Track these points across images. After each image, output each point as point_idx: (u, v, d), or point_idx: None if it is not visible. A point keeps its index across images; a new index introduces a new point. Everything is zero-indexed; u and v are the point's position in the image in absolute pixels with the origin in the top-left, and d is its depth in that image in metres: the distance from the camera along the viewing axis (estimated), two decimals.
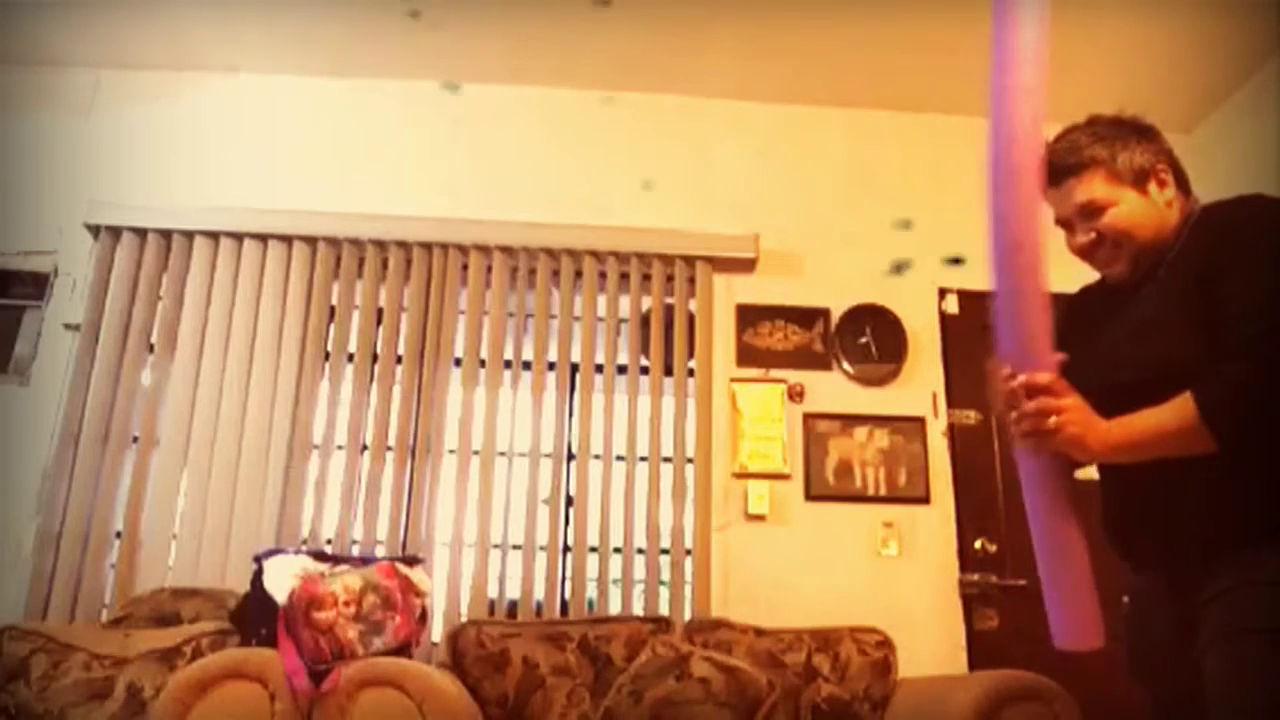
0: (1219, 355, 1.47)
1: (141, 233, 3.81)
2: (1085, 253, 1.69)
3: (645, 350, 3.87)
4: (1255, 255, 1.50)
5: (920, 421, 3.83)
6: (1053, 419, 1.50)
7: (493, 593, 3.55)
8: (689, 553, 3.62)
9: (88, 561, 3.41)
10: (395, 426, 3.68)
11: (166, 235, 3.82)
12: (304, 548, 3.34)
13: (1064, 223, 1.71)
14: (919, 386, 3.90)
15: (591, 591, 3.62)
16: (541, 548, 3.59)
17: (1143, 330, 1.62)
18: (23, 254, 3.81)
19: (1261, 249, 1.50)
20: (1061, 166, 1.66)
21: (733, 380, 3.86)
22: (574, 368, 3.85)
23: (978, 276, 3.97)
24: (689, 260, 3.93)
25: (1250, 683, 1.41)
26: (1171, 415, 1.49)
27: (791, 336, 3.92)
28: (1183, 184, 1.69)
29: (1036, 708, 2.68)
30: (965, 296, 4.00)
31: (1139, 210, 1.63)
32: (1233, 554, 1.49)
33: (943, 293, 4.03)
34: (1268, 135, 3.81)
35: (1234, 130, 4.02)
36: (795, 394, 3.85)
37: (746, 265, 3.96)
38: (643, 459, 3.72)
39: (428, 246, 3.88)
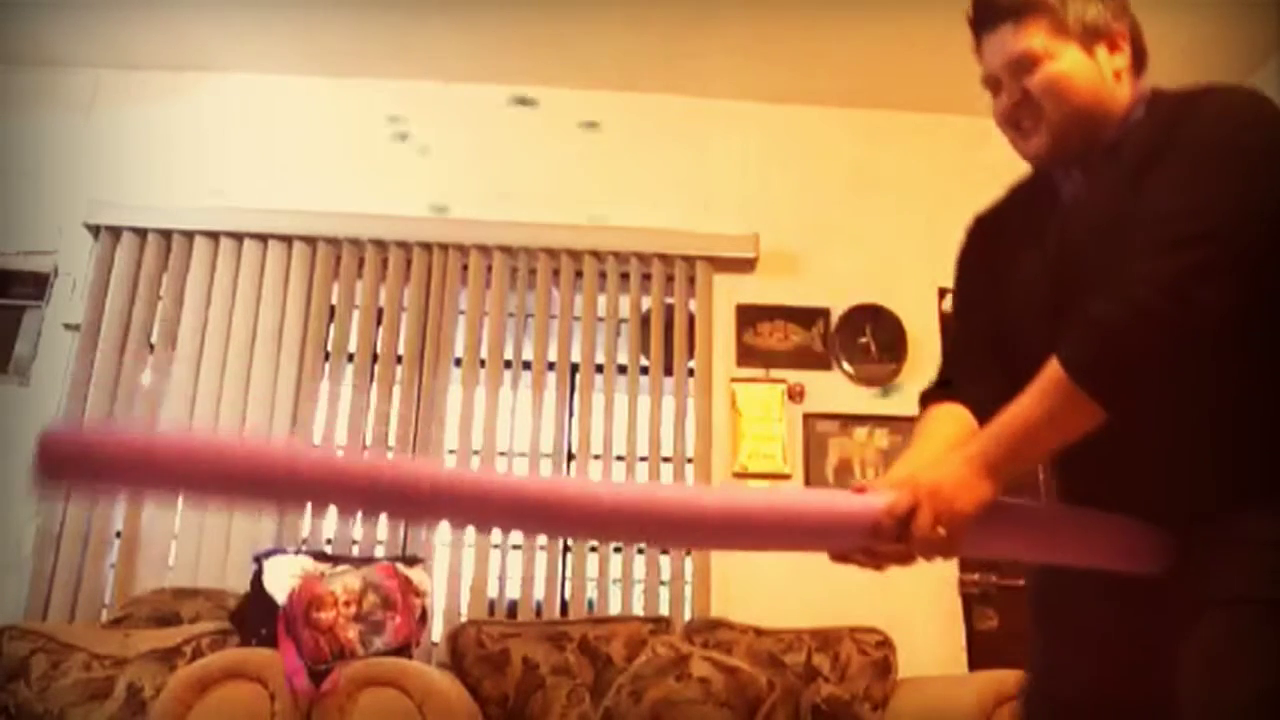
0: (1110, 282, 1.18)
1: (141, 233, 3.81)
2: (1007, 118, 1.38)
3: (645, 350, 3.87)
4: (1201, 145, 1.22)
5: None
6: (939, 530, 1.17)
7: (493, 593, 3.55)
8: (689, 553, 3.62)
9: (88, 561, 3.41)
10: (395, 426, 3.68)
11: (166, 235, 3.82)
12: (304, 548, 3.34)
13: (990, 81, 1.39)
14: (919, 386, 3.88)
15: (591, 591, 3.62)
16: (541, 548, 3.59)
17: (1081, 244, 1.31)
18: (23, 254, 3.81)
19: (1211, 137, 1.22)
20: (1000, 7, 1.35)
21: (733, 380, 3.86)
22: (574, 368, 3.85)
23: None
24: (689, 260, 3.93)
25: (1247, 659, 1.14)
26: (1037, 396, 1.19)
27: (791, 336, 3.92)
28: (1140, 61, 1.39)
29: None
30: None
31: (1080, 70, 1.32)
32: (1228, 515, 1.21)
33: (943, 293, 4.02)
34: None
35: None
36: (795, 394, 3.85)
37: (746, 265, 3.96)
38: (643, 459, 3.72)
39: (428, 246, 3.88)
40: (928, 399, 1.49)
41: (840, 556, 1.28)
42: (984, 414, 1.32)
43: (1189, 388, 1.20)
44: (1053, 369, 1.18)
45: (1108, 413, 1.17)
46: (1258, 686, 1.12)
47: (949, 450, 1.31)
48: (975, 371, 1.46)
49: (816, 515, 1.24)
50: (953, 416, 1.42)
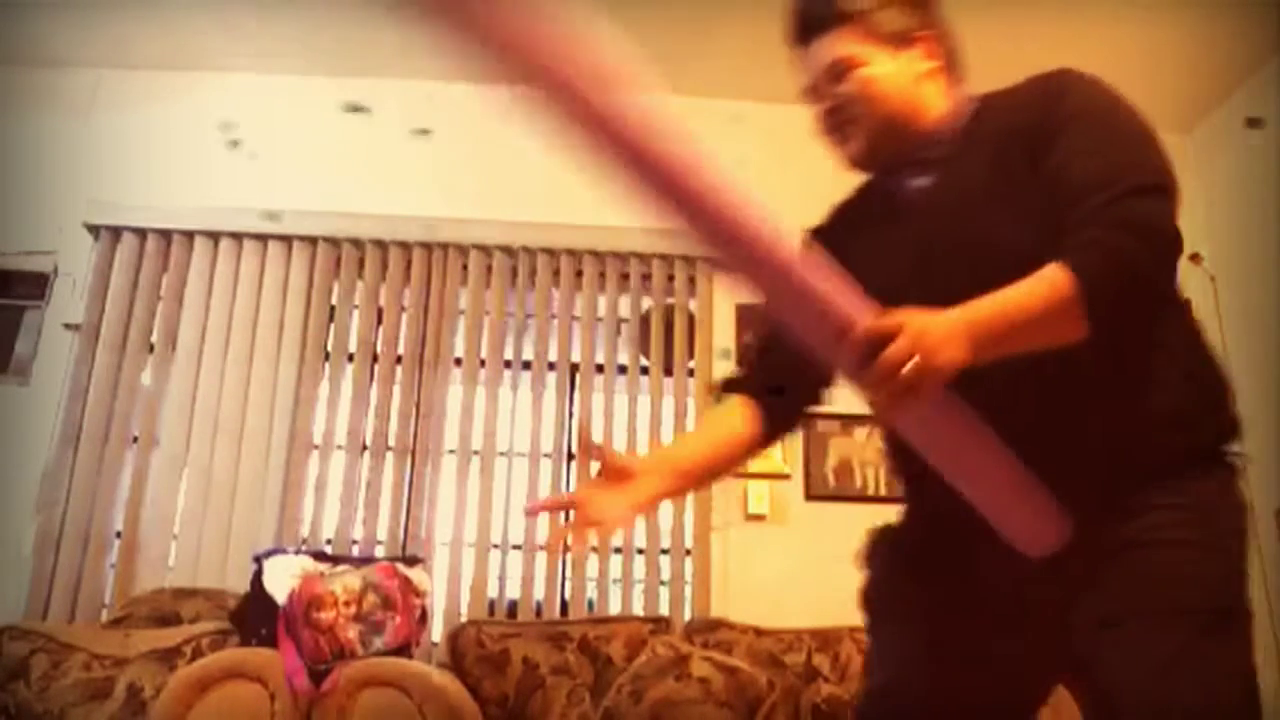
0: (1080, 223, 1.19)
1: (141, 233, 3.81)
2: (825, 123, 1.43)
3: (645, 350, 3.87)
4: (1099, 108, 1.28)
5: None
6: (908, 368, 1.05)
7: (493, 593, 3.55)
8: (689, 553, 3.62)
9: (88, 561, 3.42)
10: (395, 426, 3.68)
11: (166, 235, 3.82)
12: (304, 548, 3.34)
13: (810, 92, 1.44)
14: None
15: (591, 591, 3.62)
16: (542, 548, 3.59)
17: (954, 226, 1.31)
18: (23, 254, 3.81)
19: (1104, 100, 1.29)
20: (813, 19, 1.40)
21: None
22: (574, 368, 3.85)
23: None
24: (689, 260, 3.93)
25: (1183, 685, 1.14)
26: (1039, 294, 1.14)
27: None
28: (953, 68, 1.43)
29: None
30: None
31: (890, 73, 1.36)
32: (1128, 493, 1.22)
33: None
34: (1268, 135, 3.81)
35: (1234, 130, 4.02)
36: None
37: None
38: None
39: (428, 246, 3.88)
40: (726, 389, 1.50)
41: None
42: (775, 419, 1.45)
43: (1085, 361, 1.20)
44: (1056, 274, 1.14)
45: (1091, 326, 1.14)
46: (1210, 702, 1.13)
47: (729, 435, 1.41)
48: (781, 377, 1.48)
49: (809, 285, 1.13)
50: (736, 410, 1.46)
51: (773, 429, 1.47)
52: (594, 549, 3.61)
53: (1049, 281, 1.14)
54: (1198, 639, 1.15)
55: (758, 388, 1.48)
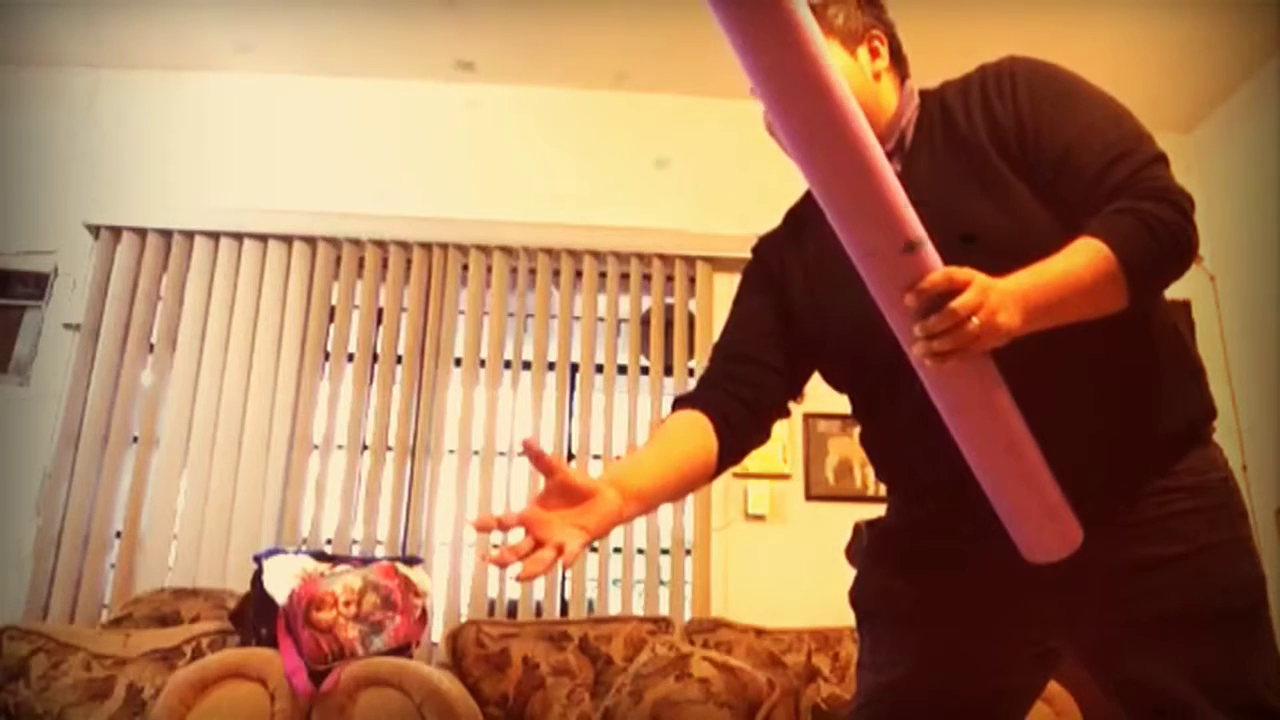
0: (1106, 198, 1.19)
1: (141, 233, 3.81)
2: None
3: (645, 350, 3.87)
4: (1068, 94, 1.28)
5: None
6: (974, 320, 1.05)
7: (493, 593, 3.55)
8: (689, 553, 3.62)
9: (88, 561, 3.42)
10: (395, 426, 3.68)
11: (166, 235, 3.82)
12: (304, 548, 3.34)
13: None
14: None
15: (591, 591, 3.62)
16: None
17: (934, 215, 1.21)
18: (23, 254, 3.81)
19: (1065, 86, 1.30)
20: None
21: None
22: (574, 368, 3.85)
23: None
24: (689, 260, 3.93)
25: (1245, 672, 1.18)
26: (1085, 261, 1.13)
27: None
28: (900, 65, 1.42)
29: (1036, 705, 2.68)
30: None
31: (845, 70, 1.30)
32: (1135, 479, 1.23)
33: None
34: (1268, 135, 3.81)
35: (1234, 130, 4.02)
36: None
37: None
38: None
39: (428, 246, 3.88)
40: (677, 404, 1.43)
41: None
42: (737, 438, 1.37)
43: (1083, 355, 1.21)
44: (1097, 245, 1.14)
45: (1131, 298, 1.15)
46: (1265, 701, 1.16)
47: (686, 451, 1.32)
48: (734, 383, 1.43)
49: (906, 222, 1.12)
50: (694, 426, 1.37)
51: (735, 448, 1.38)
52: (593, 549, 3.62)
53: (1092, 252, 1.13)
54: (1253, 634, 1.19)
55: (720, 404, 1.40)
